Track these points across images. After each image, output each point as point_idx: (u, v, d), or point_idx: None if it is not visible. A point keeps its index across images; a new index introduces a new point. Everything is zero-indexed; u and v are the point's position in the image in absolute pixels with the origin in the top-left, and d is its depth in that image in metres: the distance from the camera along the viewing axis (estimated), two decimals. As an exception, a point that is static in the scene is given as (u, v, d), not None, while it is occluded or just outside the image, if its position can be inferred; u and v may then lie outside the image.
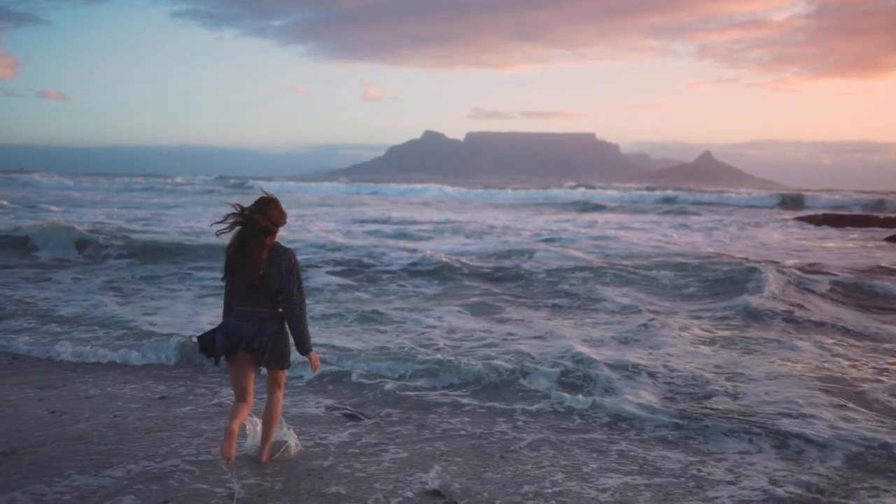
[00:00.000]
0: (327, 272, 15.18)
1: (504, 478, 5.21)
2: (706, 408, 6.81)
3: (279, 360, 5.10)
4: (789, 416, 6.52)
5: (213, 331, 5.05)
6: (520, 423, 6.44)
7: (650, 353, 8.87)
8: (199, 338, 5.12)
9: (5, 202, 35.40)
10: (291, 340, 5.15)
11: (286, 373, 5.31)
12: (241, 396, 5.05)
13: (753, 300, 11.85)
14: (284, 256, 4.92)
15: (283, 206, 5.05)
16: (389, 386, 7.39)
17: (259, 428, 5.43)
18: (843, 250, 22.13)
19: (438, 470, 5.28)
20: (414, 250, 18.23)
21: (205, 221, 26.92)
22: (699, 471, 5.41)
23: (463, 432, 6.17)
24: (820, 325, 10.75)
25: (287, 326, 5.05)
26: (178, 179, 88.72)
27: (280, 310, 5.00)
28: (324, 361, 8.03)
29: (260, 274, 4.84)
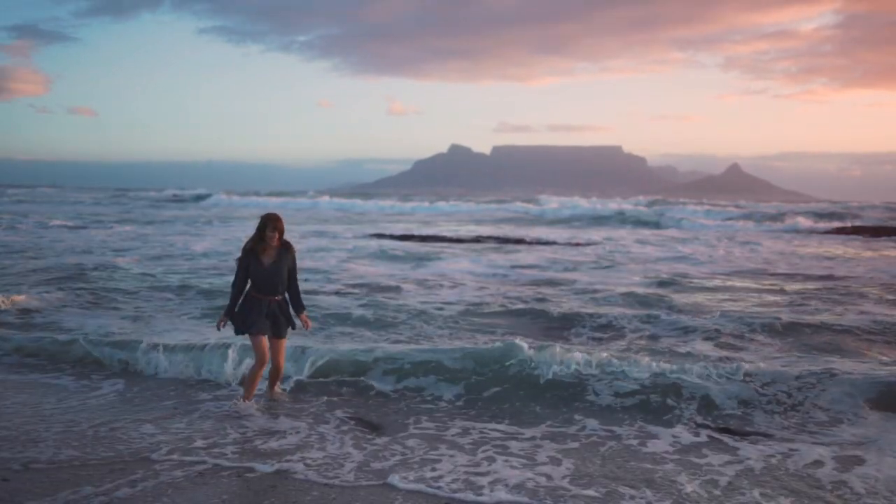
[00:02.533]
0: (336, 291, 14.08)
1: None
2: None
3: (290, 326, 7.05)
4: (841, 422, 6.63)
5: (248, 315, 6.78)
6: (542, 444, 6.26)
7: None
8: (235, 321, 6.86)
9: (69, 221, 35.98)
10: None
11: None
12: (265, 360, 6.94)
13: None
14: (292, 250, 6.91)
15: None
16: (415, 400, 7.27)
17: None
18: (887, 260, 21.71)
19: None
20: (443, 274, 17.79)
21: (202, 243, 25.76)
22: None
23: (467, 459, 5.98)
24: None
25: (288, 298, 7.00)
26: (196, 191, 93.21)
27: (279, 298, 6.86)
28: (338, 371, 8.03)
29: (287, 265, 6.80)
